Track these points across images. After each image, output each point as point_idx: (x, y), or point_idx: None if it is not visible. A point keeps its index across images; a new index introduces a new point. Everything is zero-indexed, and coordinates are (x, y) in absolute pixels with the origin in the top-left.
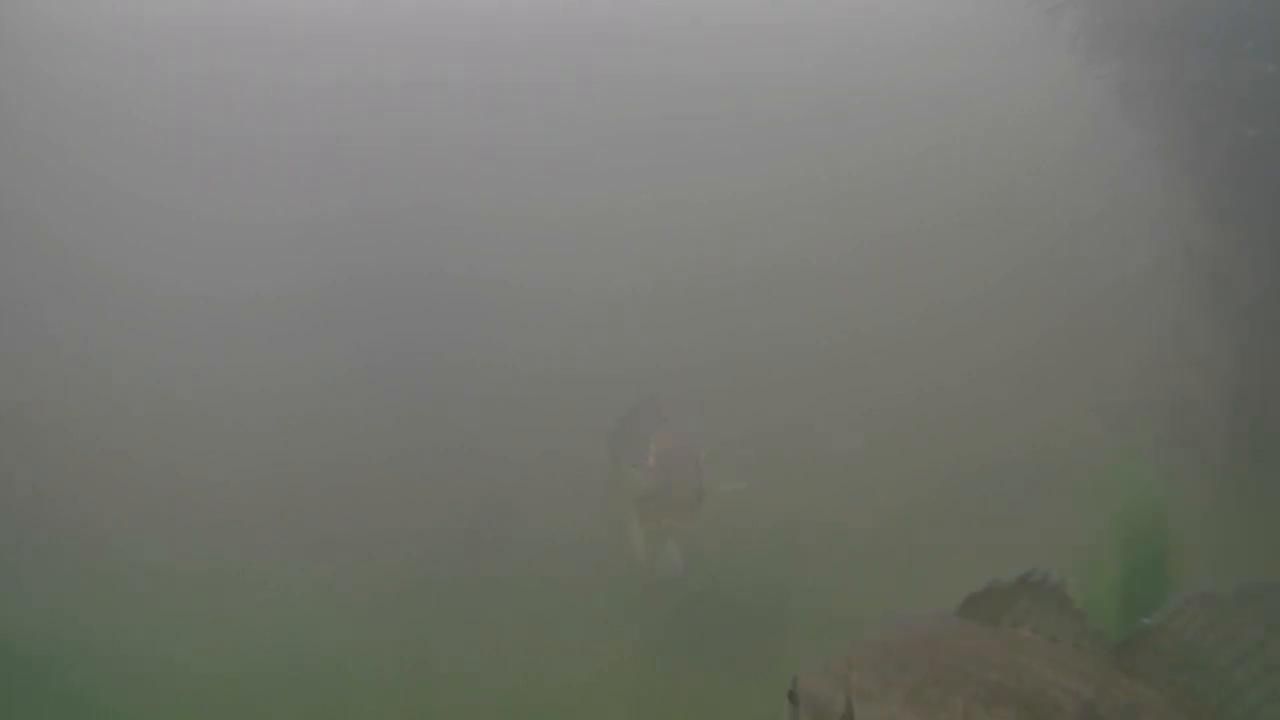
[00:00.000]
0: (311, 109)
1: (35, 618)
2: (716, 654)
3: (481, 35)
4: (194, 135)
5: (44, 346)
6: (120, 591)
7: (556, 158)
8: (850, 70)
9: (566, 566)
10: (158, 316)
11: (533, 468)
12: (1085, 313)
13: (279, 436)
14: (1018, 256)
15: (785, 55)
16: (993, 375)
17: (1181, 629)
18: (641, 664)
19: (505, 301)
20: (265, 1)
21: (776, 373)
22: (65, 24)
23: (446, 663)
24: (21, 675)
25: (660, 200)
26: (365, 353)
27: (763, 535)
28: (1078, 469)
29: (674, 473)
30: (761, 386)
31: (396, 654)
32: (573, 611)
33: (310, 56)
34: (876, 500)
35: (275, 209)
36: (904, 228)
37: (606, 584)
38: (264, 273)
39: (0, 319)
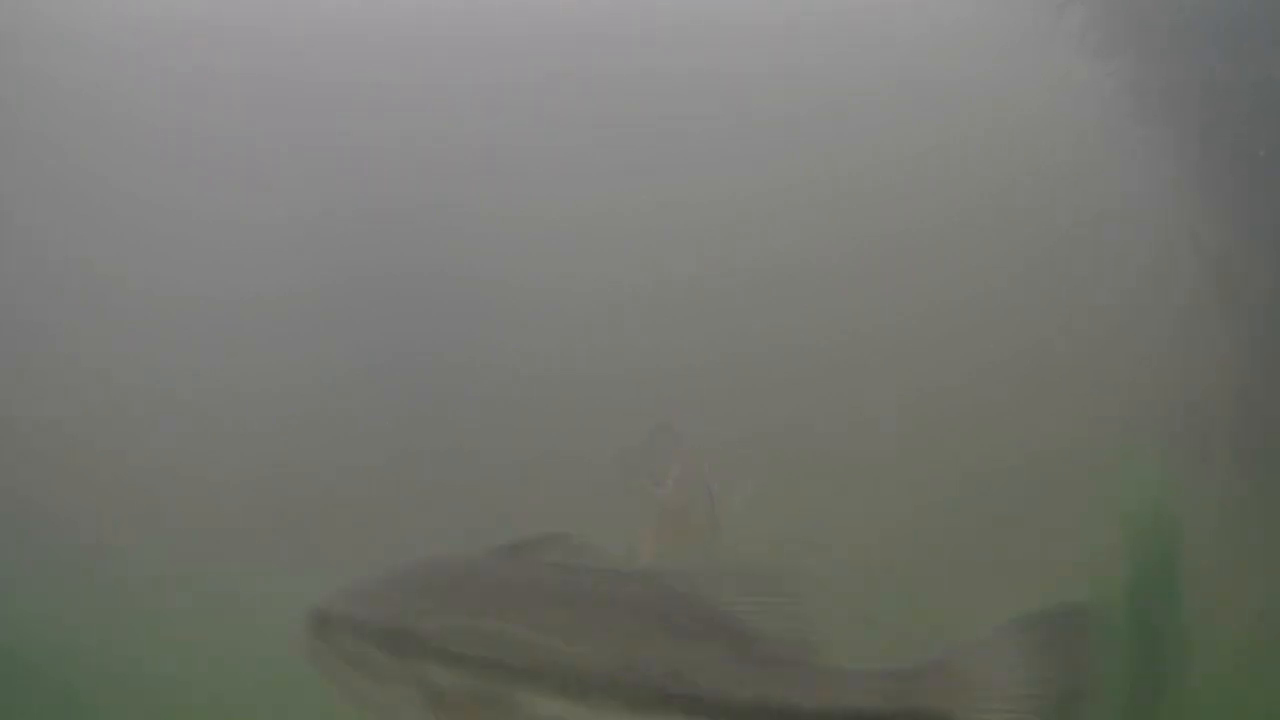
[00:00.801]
0: (311, 108)
1: (29, 621)
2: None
3: (481, 34)
4: (191, 134)
5: (42, 347)
6: (115, 594)
7: (557, 157)
8: (851, 68)
9: None
10: (154, 316)
11: (533, 468)
12: (1091, 313)
13: (277, 437)
14: (1021, 256)
15: (783, 53)
16: (996, 376)
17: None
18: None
19: (505, 301)
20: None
21: (777, 373)
22: (62, 21)
23: None
24: (16, 678)
25: (660, 200)
26: (364, 353)
27: (759, 537)
28: (1083, 470)
29: (689, 502)
30: (762, 387)
31: None
32: None
33: (309, 55)
34: (877, 503)
35: (274, 208)
36: (904, 227)
37: None
38: (262, 272)
39: None
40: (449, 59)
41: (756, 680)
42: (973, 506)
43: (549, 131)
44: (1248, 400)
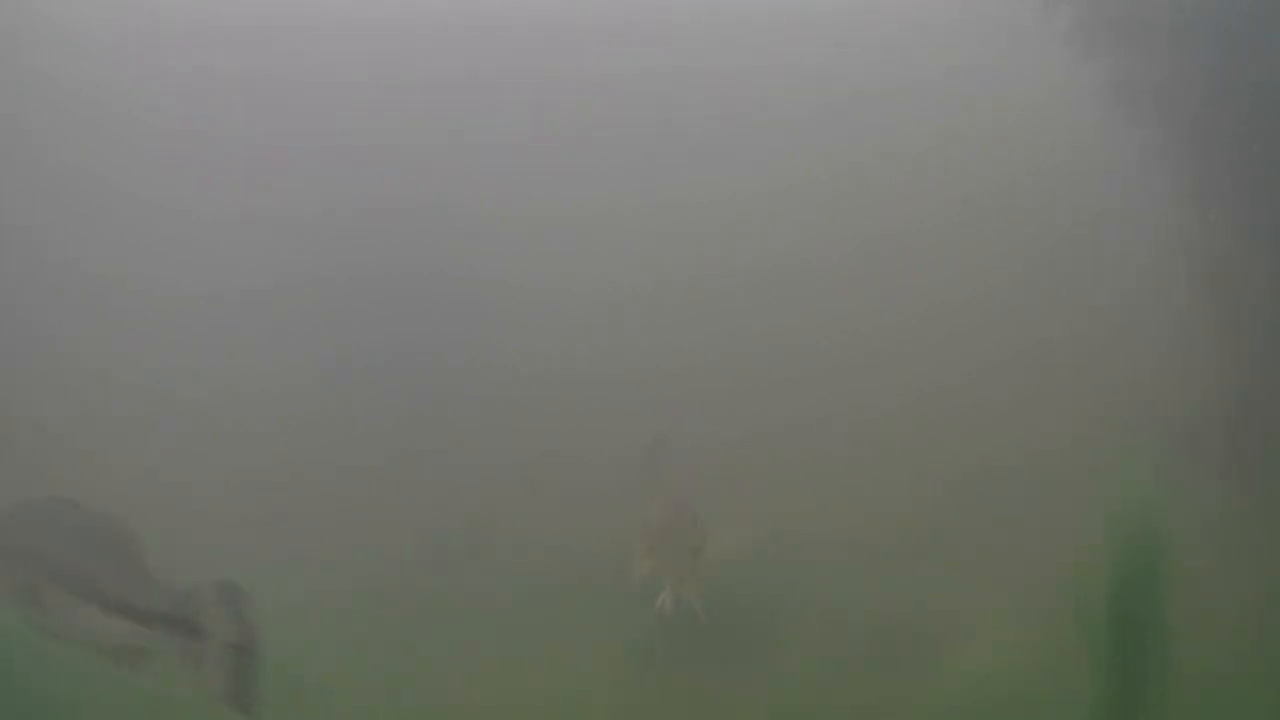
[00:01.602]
0: (311, 108)
1: (15, 627)
2: (709, 664)
3: (482, 33)
4: (190, 133)
5: (40, 347)
6: None
7: (557, 157)
8: (845, 69)
9: (576, 573)
10: (153, 315)
11: (533, 468)
12: (1086, 313)
13: (276, 437)
14: (1013, 257)
15: (778, 54)
16: (991, 377)
17: None
18: (635, 671)
19: (505, 301)
20: None
21: (776, 373)
22: (59, 19)
23: (450, 677)
24: (12, 679)
25: (661, 199)
26: (364, 353)
27: (756, 539)
28: (1077, 471)
29: (672, 526)
30: (761, 386)
31: (396, 665)
32: (584, 622)
33: (309, 55)
34: (873, 503)
35: (273, 208)
36: (900, 228)
37: (601, 591)
38: (261, 272)
39: None
40: (449, 58)
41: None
42: (968, 506)
43: (549, 131)
44: (1243, 402)
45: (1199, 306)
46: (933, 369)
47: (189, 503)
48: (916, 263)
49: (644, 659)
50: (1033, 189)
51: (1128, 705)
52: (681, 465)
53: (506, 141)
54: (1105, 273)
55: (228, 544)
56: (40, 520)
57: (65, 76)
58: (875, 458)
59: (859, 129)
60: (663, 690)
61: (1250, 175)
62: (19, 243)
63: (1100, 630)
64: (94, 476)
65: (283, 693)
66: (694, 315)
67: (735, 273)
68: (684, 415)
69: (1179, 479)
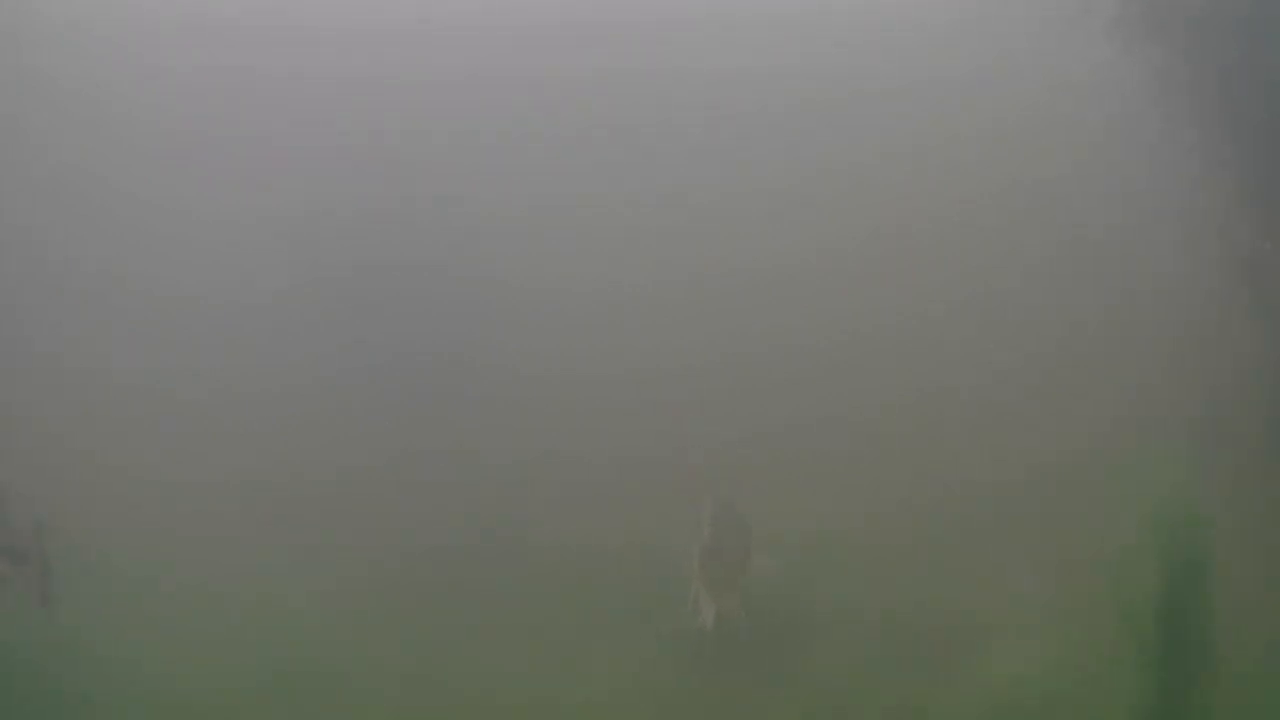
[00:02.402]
0: (311, 107)
1: (29, 622)
2: (736, 666)
3: (481, 32)
4: (190, 132)
5: (40, 347)
6: (112, 599)
7: (557, 157)
8: (869, 60)
9: (576, 574)
10: (153, 316)
11: (533, 468)
12: (1120, 306)
13: (276, 437)
14: (1047, 250)
15: (799, 41)
16: (1025, 373)
17: None
18: (658, 678)
19: (505, 301)
20: None
21: (795, 371)
22: (57, 17)
23: (451, 678)
24: (16, 680)
25: (662, 199)
26: (364, 353)
27: (781, 543)
28: (1113, 469)
29: (726, 540)
30: (783, 385)
31: (397, 666)
32: (584, 623)
33: (309, 55)
34: (901, 504)
35: (272, 207)
36: (927, 221)
37: (620, 593)
38: (260, 272)
39: None
40: (449, 53)
41: None
42: (1003, 505)
43: (549, 131)
44: (1277, 397)
45: (1234, 297)
46: (964, 366)
47: (189, 502)
48: (943, 258)
49: (658, 662)
50: (1067, 180)
51: (1173, 704)
52: (725, 489)
53: (506, 141)
54: (1139, 265)
55: (228, 544)
56: None
57: (65, 76)
58: (912, 458)
59: (882, 122)
60: (681, 693)
61: None
62: (19, 243)
63: (1146, 628)
64: (95, 476)
65: (284, 688)
66: (697, 315)
67: (739, 271)
68: (685, 417)
69: (1217, 473)
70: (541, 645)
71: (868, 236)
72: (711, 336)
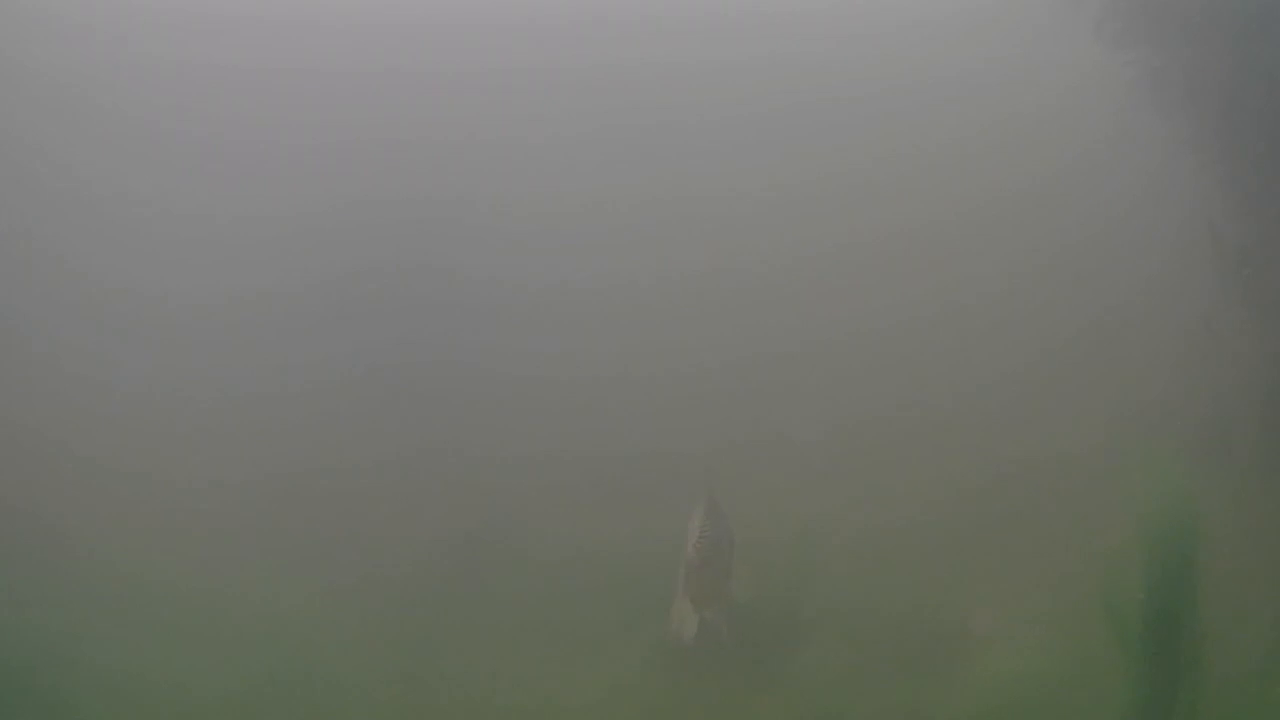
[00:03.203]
0: (312, 107)
1: (30, 623)
2: (729, 665)
3: (481, 32)
4: (187, 131)
5: (40, 349)
6: (113, 601)
7: (558, 156)
8: (864, 59)
9: (573, 575)
10: (153, 317)
11: (533, 468)
12: (1111, 309)
13: (277, 437)
14: (1040, 252)
15: (795, 42)
16: (1016, 374)
17: None
18: (653, 677)
19: (505, 301)
20: None
21: (795, 375)
22: (56, 14)
23: (448, 678)
24: (18, 679)
25: (664, 199)
26: (365, 354)
27: (776, 543)
28: (1104, 469)
29: (712, 562)
30: (781, 388)
31: (395, 667)
32: (580, 622)
33: (309, 54)
34: (897, 505)
35: (272, 207)
36: (921, 223)
37: (615, 593)
38: (260, 273)
39: None
40: (449, 51)
41: None
42: (995, 507)
43: (550, 130)
44: (1270, 399)
45: (1227, 298)
46: (957, 368)
47: (189, 502)
48: (935, 260)
49: (664, 660)
50: (1060, 180)
51: (1162, 704)
52: (714, 499)
53: (507, 141)
54: (1132, 266)
55: (228, 544)
56: None
57: (64, 74)
58: (899, 460)
59: (877, 122)
60: (681, 693)
61: (1273, 168)
62: (19, 242)
63: (1133, 629)
64: (94, 478)
65: (282, 687)
66: (698, 315)
67: (741, 271)
68: (688, 417)
69: (1209, 475)
70: (540, 645)
71: (868, 236)
72: (711, 338)
